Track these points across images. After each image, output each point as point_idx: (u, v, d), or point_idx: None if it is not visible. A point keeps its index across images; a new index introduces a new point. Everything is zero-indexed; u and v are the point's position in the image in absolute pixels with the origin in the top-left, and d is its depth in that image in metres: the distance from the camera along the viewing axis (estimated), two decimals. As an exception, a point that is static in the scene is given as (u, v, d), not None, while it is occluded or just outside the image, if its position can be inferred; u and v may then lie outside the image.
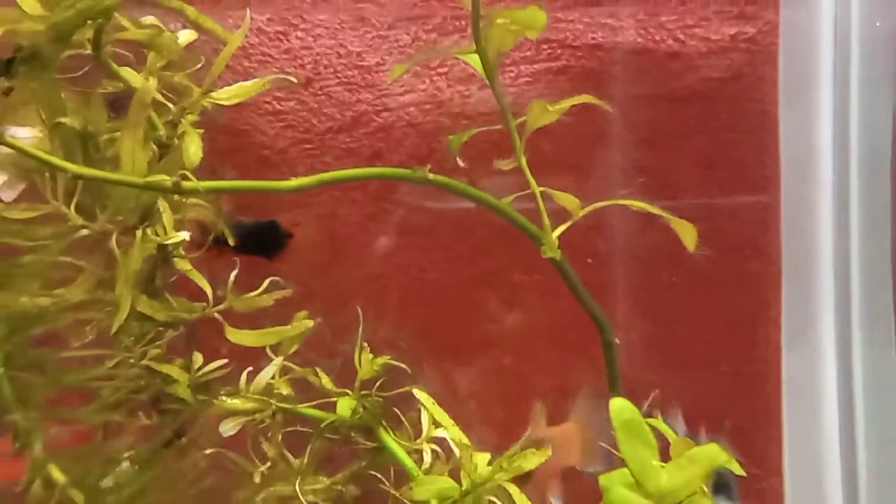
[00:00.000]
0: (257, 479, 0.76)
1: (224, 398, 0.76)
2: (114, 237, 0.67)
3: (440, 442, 0.76)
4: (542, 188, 0.68)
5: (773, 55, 1.27)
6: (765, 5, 1.27)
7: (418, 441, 0.76)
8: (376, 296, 1.19)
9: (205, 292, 0.72)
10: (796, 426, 1.26)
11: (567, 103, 0.69)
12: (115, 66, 0.66)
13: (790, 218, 1.27)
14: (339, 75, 1.22)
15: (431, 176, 0.68)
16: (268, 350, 0.77)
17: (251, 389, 0.76)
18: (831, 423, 1.25)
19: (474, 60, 0.65)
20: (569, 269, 0.70)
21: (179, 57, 0.69)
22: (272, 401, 0.76)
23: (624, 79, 1.27)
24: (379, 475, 0.77)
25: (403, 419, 0.78)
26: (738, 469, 0.59)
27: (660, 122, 1.26)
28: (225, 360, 0.76)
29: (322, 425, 0.77)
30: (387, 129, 1.22)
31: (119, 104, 0.67)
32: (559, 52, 1.25)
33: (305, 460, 0.77)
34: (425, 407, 0.77)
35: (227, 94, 0.72)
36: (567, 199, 0.70)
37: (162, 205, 0.69)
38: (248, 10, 0.74)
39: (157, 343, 0.72)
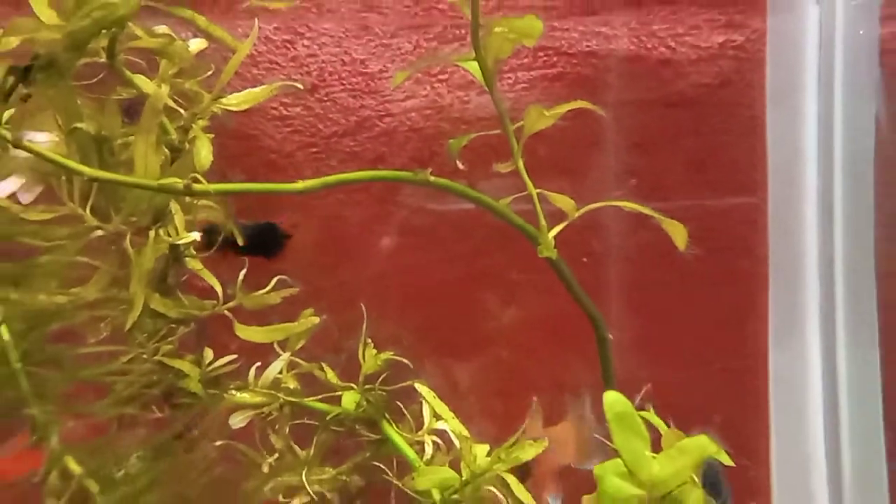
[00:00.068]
0: (265, 470, 0.76)
1: (233, 392, 0.76)
2: (128, 238, 0.67)
3: (441, 434, 0.76)
4: (538, 190, 0.68)
5: (761, 62, 1.27)
6: (752, 14, 1.27)
7: (420, 433, 0.76)
8: (380, 294, 1.19)
9: (215, 290, 0.72)
10: (783, 419, 1.26)
11: (562, 109, 0.69)
12: (128, 73, 0.66)
13: (777, 219, 1.27)
14: (344, 82, 1.22)
15: (432, 178, 0.68)
16: (275, 346, 0.77)
17: (259, 384, 0.76)
18: (816, 416, 1.25)
19: (473, 67, 0.65)
20: (564, 268, 0.70)
21: (190, 64, 0.69)
22: (280, 394, 0.76)
23: (617, 85, 1.27)
24: (382, 466, 0.77)
25: (406, 412, 0.78)
26: (726, 460, 0.59)
27: (652, 126, 1.26)
28: (234, 356, 0.76)
29: (328, 418, 0.77)
30: (389, 133, 1.22)
31: (133, 110, 0.67)
32: (555, 59, 1.25)
33: (312, 452, 0.77)
34: (427, 400, 0.77)
35: (237, 100, 0.72)
36: (563, 201, 0.70)
37: (174, 206, 0.69)
38: (256, 19, 0.74)
39: (170, 339, 0.72)
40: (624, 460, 0.57)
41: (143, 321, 0.69)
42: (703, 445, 0.57)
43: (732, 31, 1.27)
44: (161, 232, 0.68)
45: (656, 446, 0.59)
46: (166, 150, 0.68)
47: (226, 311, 0.73)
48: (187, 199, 0.68)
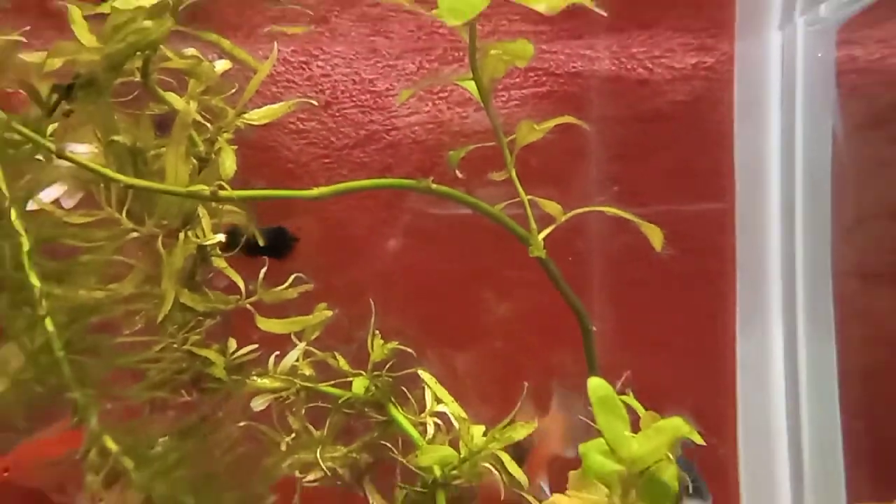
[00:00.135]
0: (283, 448, 0.76)
1: (255, 378, 0.76)
2: (160, 239, 0.67)
3: (441, 416, 0.76)
4: (529, 196, 0.68)
5: (729, 82, 1.27)
6: (722, 38, 1.27)
7: (423, 415, 0.76)
8: (386, 290, 1.19)
9: (238, 286, 0.72)
10: (749, 402, 1.26)
11: (551, 123, 0.68)
12: (160, 91, 0.66)
13: (743, 222, 1.27)
14: (354, 99, 1.22)
15: (434, 186, 0.68)
16: (292, 337, 0.77)
17: (278, 370, 0.76)
18: (778, 399, 1.25)
19: (471, 86, 0.65)
20: (552, 267, 0.70)
21: (216, 83, 0.69)
22: (296, 380, 0.76)
23: (600, 102, 1.27)
24: (388, 444, 0.77)
25: (410, 396, 0.78)
26: (698, 439, 0.58)
27: (631, 139, 1.26)
28: (256, 346, 0.76)
29: (339, 401, 0.77)
30: (395, 145, 1.22)
31: (164, 124, 0.67)
32: (544, 79, 1.25)
33: (325, 432, 0.77)
34: (428, 386, 0.77)
35: (258, 116, 0.72)
36: (551, 206, 0.70)
37: (201, 211, 0.69)
38: (275, 43, 0.74)
39: (197, 330, 0.72)
40: (606, 439, 0.57)
41: (173, 314, 0.69)
42: (678, 426, 0.57)
43: (704, 53, 1.27)
44: (189, 234, 0.68)
45: (635, 427, 0.58)
46: (194, 161, 0.68)
47: (248, 305, 0.73)
48: (213, 204, 0.68)
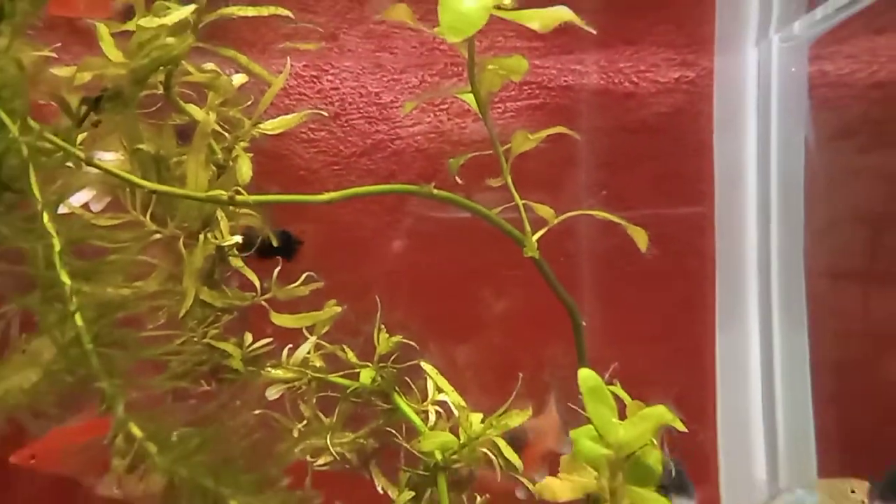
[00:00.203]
0: (296, 435, 0.76)
1: (269, 369, 0.75)
2: (181, 240, 0.67)
3: (442, 404, 0.76)
4: (524, 201, 0.68)
5: (709, 95, 1.27)
6: (703, 54, 1.27)
7: (425, 404, 0.76)
8: (391, 287, 1.19)
9: (254, 284, 0.72)
10: (727, 391, 1.26)
11: (544, 133, 0.68)
12: (182, 103, 0.66)
13: (722, 225, 1.27)
14: (361, 111, 1.22)
15: (436, 191, 0.68)
16: (304, 331, 0.76)
17: (291, 362, 0.76)
18: (755, 388, 1.25)
19: (470, 98, 0.65)
20: (545, 266, 0.70)
21: (233, 96, 0.69)
22: (308, 371, 0.76)
23: (589, 113, 1.27)
24: (393, 431, 0.77)
25: (413, 386, 0.77)
26: (680, 426, 0.58)
27: (618, 148, 1.26)
28: (270, 339, 0.76)
29: (348, 391, 0.76)
30: (399, 153, 1.22)
31: (185, 133, 0.67)
32: (537, 91, 1.25)
33: (334, 419, 0.77)
34: (430, 376, 0.77)
35: (272, 126, 0.72)
36: (544, 210, 0.69)
37: (220, 214, 0.69)
38: (288, 58, 0.74)
39: (216, 325, 0.72)
40: (595, 426, 0.57)
41: (194, 310, 0.69)
42: (661, 413, 0.57)
43: (686, 68, 1.27)
44: (209, 236, 0.68)
45: (622, 414, 0.58)
46: (213, 167, 0.68)
47: (263, 302, 0.72)
48: (231, 208, 0.67)
